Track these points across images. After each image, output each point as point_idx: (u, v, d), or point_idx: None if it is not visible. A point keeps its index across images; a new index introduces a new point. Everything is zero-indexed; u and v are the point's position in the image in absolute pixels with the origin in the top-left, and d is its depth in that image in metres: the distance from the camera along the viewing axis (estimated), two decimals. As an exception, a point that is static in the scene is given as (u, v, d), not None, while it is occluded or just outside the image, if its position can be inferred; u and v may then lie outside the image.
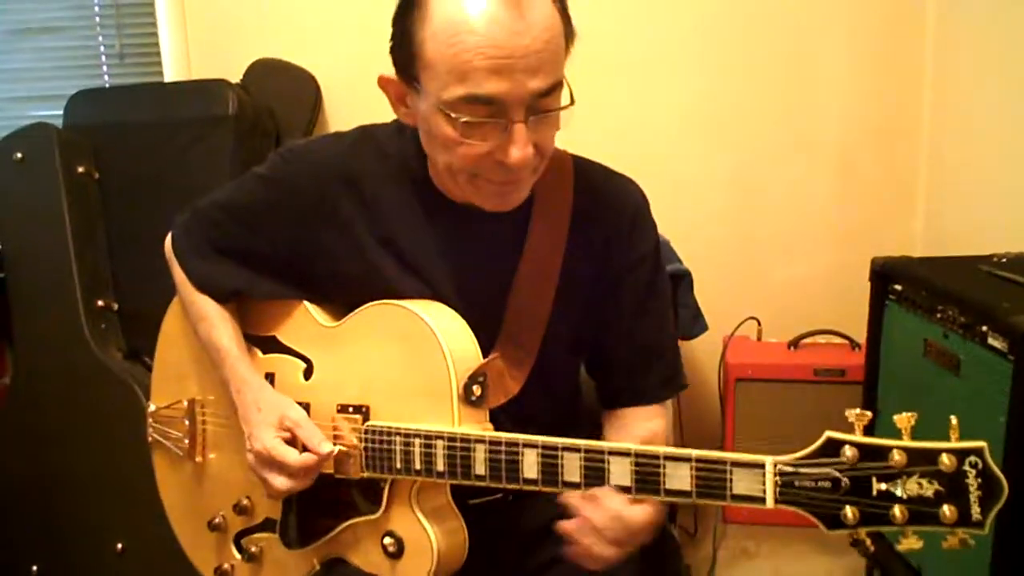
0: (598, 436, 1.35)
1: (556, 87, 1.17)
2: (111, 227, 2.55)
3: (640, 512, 1.11)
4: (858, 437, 0.96)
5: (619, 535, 1.11)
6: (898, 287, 2.08)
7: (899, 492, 0.93)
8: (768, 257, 2.82)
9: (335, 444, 1.30)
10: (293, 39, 2.78)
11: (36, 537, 2.44)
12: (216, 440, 1.51)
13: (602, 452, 1.10)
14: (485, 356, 1.28)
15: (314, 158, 1.37)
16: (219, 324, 1.42)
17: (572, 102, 1.20)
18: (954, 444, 0.93)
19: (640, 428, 1.36)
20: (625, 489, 1.09)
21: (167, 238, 1.50)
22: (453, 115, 1.14)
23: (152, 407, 1.59)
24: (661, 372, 1.41)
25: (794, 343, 2.66)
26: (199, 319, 1.43)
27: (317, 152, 1.38)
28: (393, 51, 1.22)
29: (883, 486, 0.94)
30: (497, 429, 1.24)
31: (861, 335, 2.32)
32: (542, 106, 1.16)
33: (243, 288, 1.42)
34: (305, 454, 1.28)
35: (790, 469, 0.99)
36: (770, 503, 0.99)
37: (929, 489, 0.92)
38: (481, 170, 1.20)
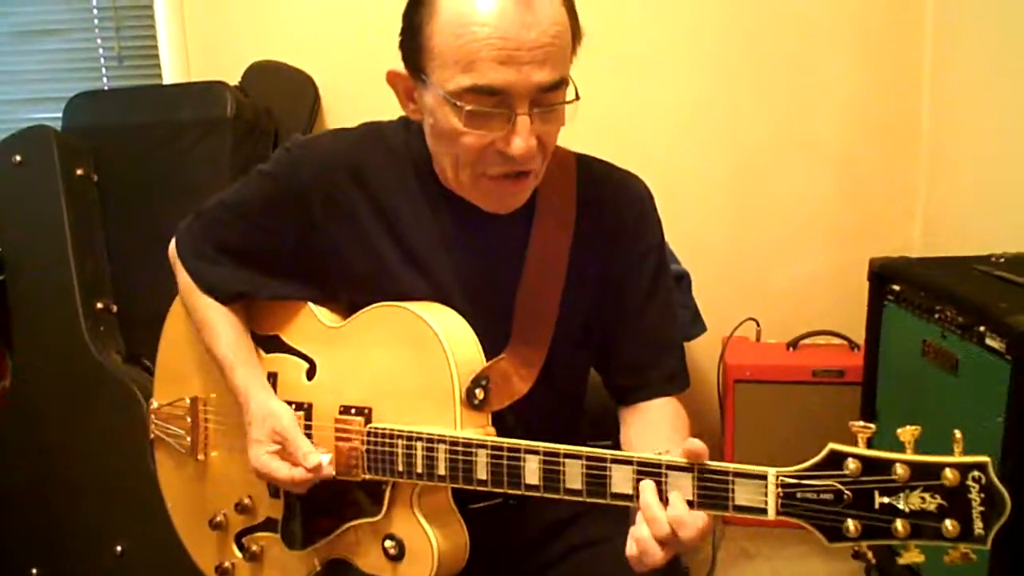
0: (596, 437, 1.35)
1: (561, 83, 1.18)
2: (110, 229, 2.55)
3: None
4: (861, 450, 0.96)
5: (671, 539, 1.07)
6: (896, 287, 2.09)
7: (901, 506, 0.93)
8: (767, 258, 2.83)
9: (336, 444, 1.31)
10: (291, 41, 2.79)
11: (36, 539, 2.43)
12: (218, 438, 1.50)
13: (604, 460, 1.10)
14: (496, 355, 1.29)
15: (320, 152, 1.36)
16: (222, 330, 1.40)
17: (577, 97, 1.21)
18: (958, 459, 0.92)
19: (669, 425, 1.35)
20: (626, 497, 1.09)
21: (171, 242, 1.49)
22: (458, 104, 1.15)
23: (155, 404, 1.58)
24: (669, 366, 1.41)
25: (793, 344, 2.67)
26: (202, 325, 1.43)
27: (323, 147, 1.37)
28: (402, 45, 1.23)
29: (885, 500, 0.94)
30: (502, 428, 1.25)
31: (860, 336, 2.32)
32: (547, 100, 1.18)
33: (248, 290, 1.42)
34: (295, 469, 1.29)
35: (792, 481, 0.98)
36: (771, 515, 0.99)
37: (932, 503, 0.92)
38: (484, 163, 1.21)
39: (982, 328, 1.72)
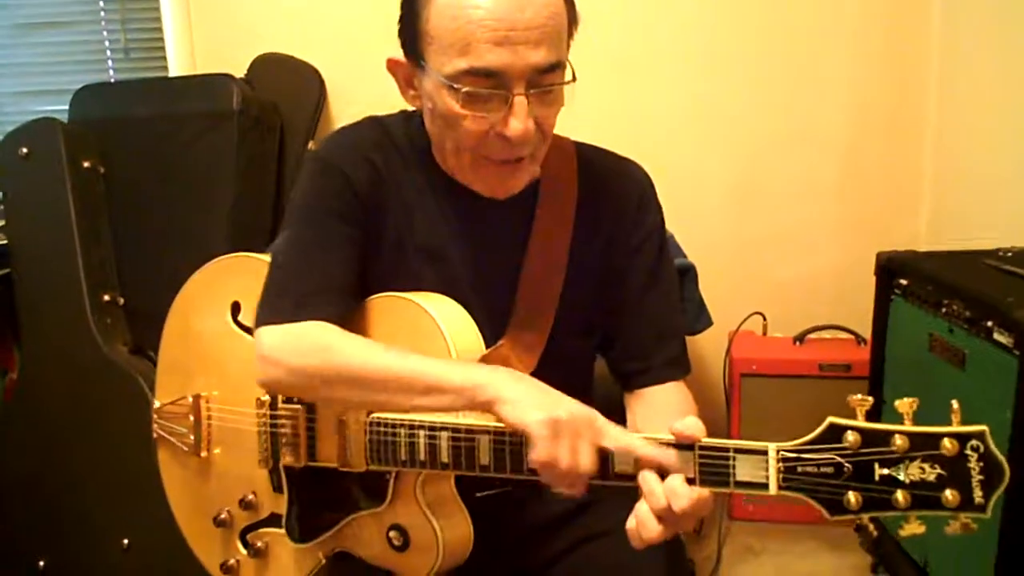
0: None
1: (558, 65, 1.19)
2: (116, 221, 2.55)
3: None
4: (860, 422, 0.96)
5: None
6: (903, 282, 2.08)
7: (901, 477, 0.93)
8: (773, 252, 2.82)
9: (338, 435, 1.31)
10: (297, 34, 2.79)
11: (43, 531, 2.44)
12: (221, 435, 1.50)
13: (607, 440, 1.10)
14: (496, 340, 1.29)
15: (339, 157, 1.34)
16: (369, 348, 1.24)
17: (574, 78, 1.22)
18: (956, 428, 0.93)
19: (675, 411, 1.32)
20: (629, 477, 1.08)
21: (263, 346, 1.27)
22: (456, 86, 1.17)
23: (157, 403, 1.58)
24: (672, 349, 1.40)
25: (799, 338, 2.66)
26: (347, 370, 1.22)
27: (337, 152, 1.35)
28: (401, 32, 1.25)
29: (885, 471, 0.94)
30: None
31: (866, 330, 2.32)
32: (543, 81, 1.19)
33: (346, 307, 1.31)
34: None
35: (792, 455, 0.98)
36: (773, 489, 0.99)
37: (931, 473, 0.92)
38: (483, 147, 1.22)
39: (990, 323, 1.71)
